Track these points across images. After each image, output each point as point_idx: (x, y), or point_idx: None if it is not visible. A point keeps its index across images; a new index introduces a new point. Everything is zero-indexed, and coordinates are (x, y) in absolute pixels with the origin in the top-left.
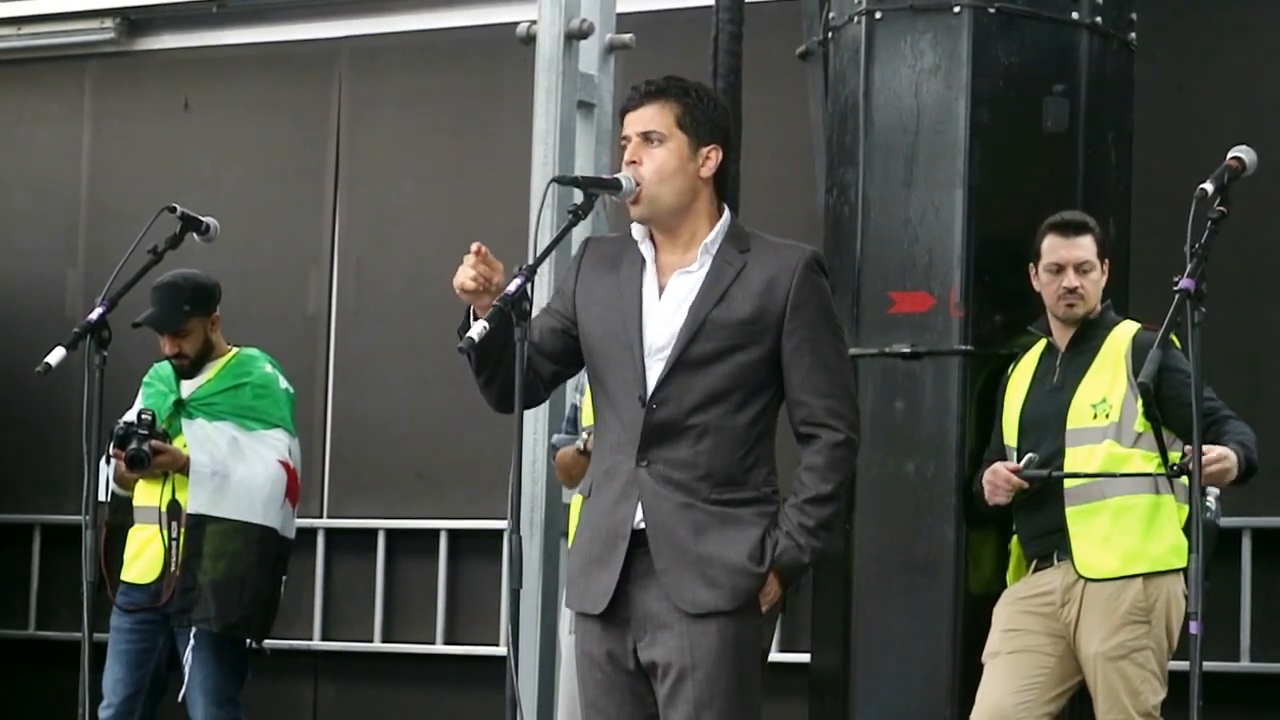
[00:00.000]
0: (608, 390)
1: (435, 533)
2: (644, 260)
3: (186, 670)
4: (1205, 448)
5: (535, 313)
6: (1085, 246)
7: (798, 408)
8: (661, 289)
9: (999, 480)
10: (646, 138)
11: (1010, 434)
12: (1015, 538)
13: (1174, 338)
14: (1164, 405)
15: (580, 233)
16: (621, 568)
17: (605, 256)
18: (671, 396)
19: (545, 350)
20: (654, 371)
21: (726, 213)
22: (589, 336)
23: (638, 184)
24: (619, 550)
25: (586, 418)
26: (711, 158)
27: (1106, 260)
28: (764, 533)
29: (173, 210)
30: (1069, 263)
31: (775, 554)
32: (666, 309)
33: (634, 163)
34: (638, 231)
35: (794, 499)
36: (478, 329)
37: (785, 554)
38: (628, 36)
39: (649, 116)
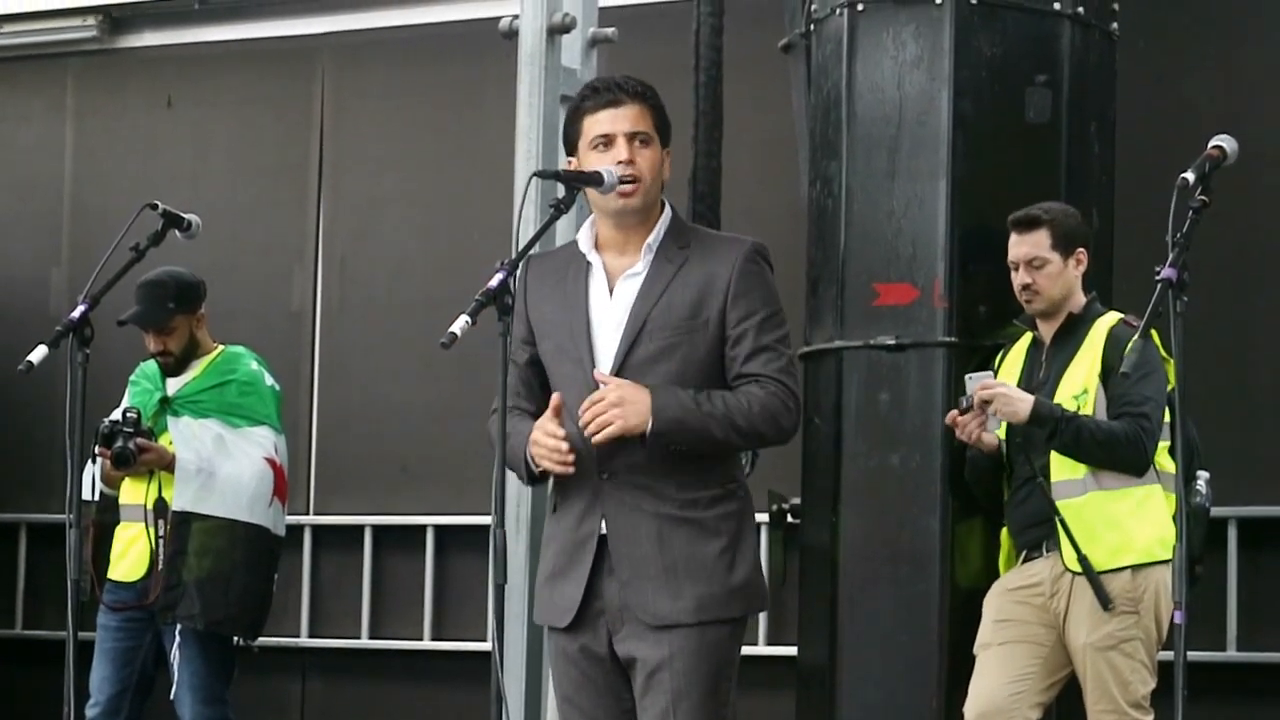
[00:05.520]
0: (567, 405)
1: (421, 528)
2: (589, 268)
3: (174, 668)
4: (991, 381)
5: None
6: (1035, 241)
7: (746, 371)
8: (611, 295)
9: (960, 423)
10: (636, 138)
11: (999, 428)
12: (1005, 528)
13: (1154, 332)
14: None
15: (563, 226)
16: (588, 575)
17: (549, 272)
18: (661, 389)
19: (536, 386)
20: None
21: (668, 209)
22: (544, 354)
23: (636, 180)
24: (584, 563)
25: None
26: (668, 160)
27: (1079, 249)
28: (730, 540)
29: (154, 207)
30: (1020, 260)
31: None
32: (615, 315)
33: (630, 161)
34: (584, 240)
35: (736, 395)
36: (459, 323)
37: (668, 404)
38: (610, 30)
39: (636, 116)
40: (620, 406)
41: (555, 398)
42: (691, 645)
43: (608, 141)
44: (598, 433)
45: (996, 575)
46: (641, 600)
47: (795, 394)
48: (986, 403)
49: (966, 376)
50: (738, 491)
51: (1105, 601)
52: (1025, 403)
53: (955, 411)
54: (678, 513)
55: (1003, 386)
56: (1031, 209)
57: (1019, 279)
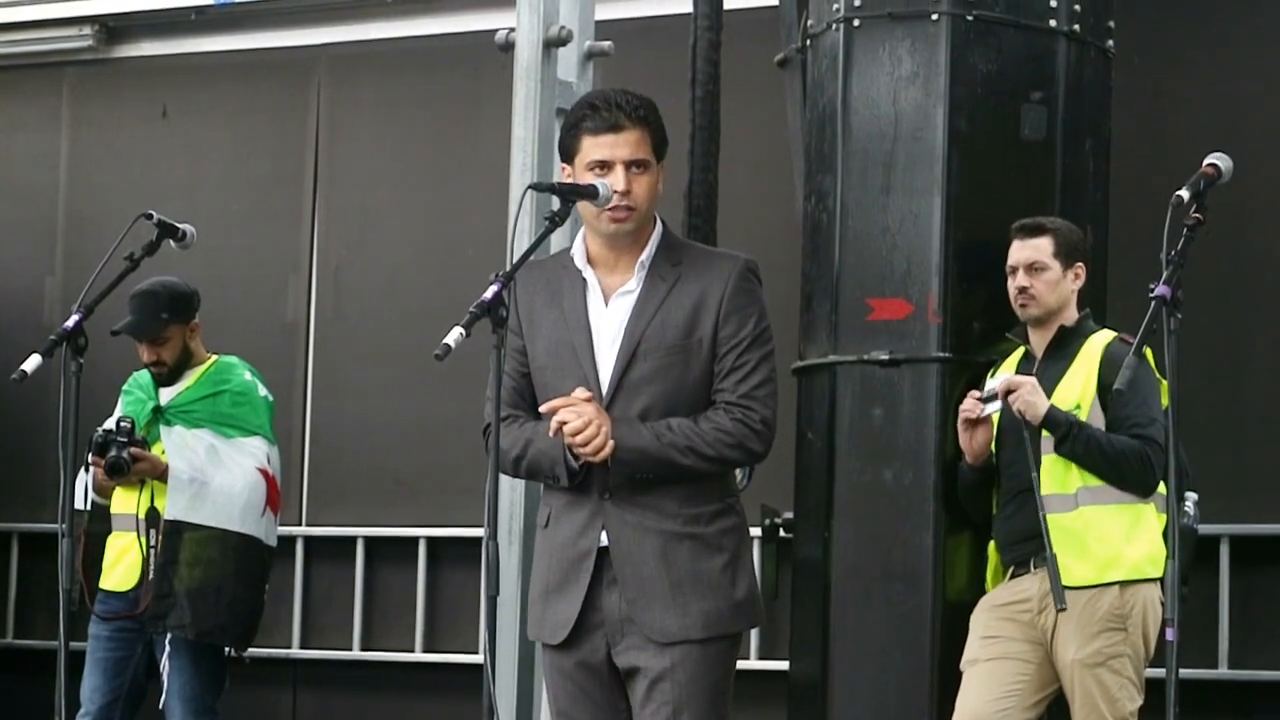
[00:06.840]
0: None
1: (414, 540)
2: (585, 284)
3: (165, 678)
4: (1013, 378)
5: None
6: (1038, 247)
7: (719, 393)
8: (605, 311)
9: (965, 408)
10: (634, 165)
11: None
12: (992, 544)
13: (1147, 350)
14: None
15: (558, 238)
16: (585, 591)
17: (540, 283)
18: (621, 422)
19: (530, 395)
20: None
21: (659, 224)
22: (539, 370)
23: (631, 209)
24: (581, 581)
25: None
26: (663, 174)
27: (1078, 264)
28: (732, 555)
29: (149, 217)
30: (1020, 263)
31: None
32: (609, 334)
33: (627, 191)
34: (579, 255)
35: (695, 424)
36: (454, 335)
37: (629, 435)
38: (606, 44)
39: (636, 142)
40: (602, 424)
41: (580, 392)
42: (694, 657)
43: (605, 167)
44: (593, 449)
45: (983, 589)
46: (649, 618)
47: (764, 416)
48: (1009, 391)
49: (989, 378)
50: (735, 506)
51: (1060, 598)
52: (1045, 403)
53: (976, 392)
54: (681, 529)
55: (1030, 380)
56: (1037, 218)
57: (1016, 282)
